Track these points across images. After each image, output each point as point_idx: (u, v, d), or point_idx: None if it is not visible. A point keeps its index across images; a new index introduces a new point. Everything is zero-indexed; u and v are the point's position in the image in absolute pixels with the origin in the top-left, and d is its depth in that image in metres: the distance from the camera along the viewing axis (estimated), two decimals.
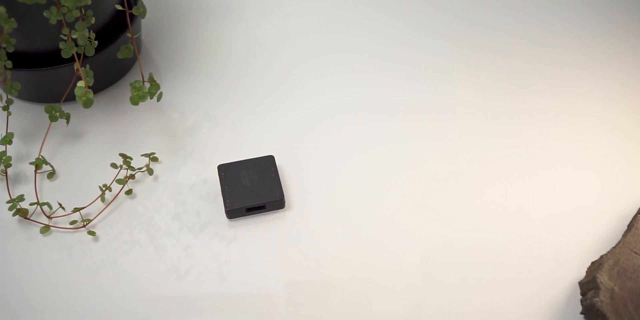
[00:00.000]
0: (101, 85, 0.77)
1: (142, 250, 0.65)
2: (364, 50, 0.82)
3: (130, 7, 0.72)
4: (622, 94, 0.77)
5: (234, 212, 0.66)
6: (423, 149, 0.72)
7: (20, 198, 0.66)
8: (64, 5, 0.62)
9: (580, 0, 0.87)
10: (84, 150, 0.73)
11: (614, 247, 0.61)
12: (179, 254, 0.65)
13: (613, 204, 0.67)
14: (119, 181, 0.68)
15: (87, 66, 0.67)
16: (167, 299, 0.62)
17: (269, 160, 0.69)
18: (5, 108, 0.70)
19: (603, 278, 0.58)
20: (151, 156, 0.71)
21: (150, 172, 0.70)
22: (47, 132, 0.72)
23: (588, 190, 0.69)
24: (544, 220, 0.67)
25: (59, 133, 0.74)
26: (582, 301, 0.60)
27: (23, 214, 0.66)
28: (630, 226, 0.63)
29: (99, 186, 0.68)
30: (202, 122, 0.75)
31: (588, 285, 0.60)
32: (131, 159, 0.69)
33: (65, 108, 0.74)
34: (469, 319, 0.60)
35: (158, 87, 0.69)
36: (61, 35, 0.65)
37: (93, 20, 0.66)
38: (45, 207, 0.67)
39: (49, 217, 0.67)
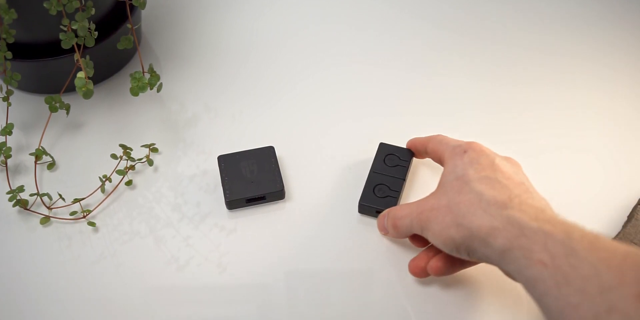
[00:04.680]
0: (101, 76, 0.77)
1: (142, 241, 0.65)
2: (364, 42, 0.82)
3: None
4: (623, 83, 0.77)
5: (234, 202, 0.66)
6: None
7: (20, 189, 0.66)
8: None
9: None
10: (84, 141, 0.73)
11: (614, 238, 0.61)
12: (179, 244, 0.65)
13: (613, 195, 0.67)
14: (119, 172, 0.68)
15: (87, 57, 0.66)
16: (167, 290, 0.62)
17: (269, 151, 0.68)
18: (5, 99, 0.70)
19: None
20: (151, 147, 0.71)
21: (150, 163, 0.70)
22: (47, 123, 0.72)
23: (588, 181, 0.69)
24: None
25: (59, 124, 0.74)
26: None
27: (23, 204, 0.66)
28: (630, 217, 0.63)
29: (99, 177, 0.68)
30: (202, 113, 0.75)
31: None
32: (131, 149, 0.69)
33: (65, 99, 0.74)
34: (468, 308, 0.60)
35: (158, 78, 0.69)
36: (61, 26, 0.65)
37: (93, 11, 0.66)
38: (45, 198, 0.68)
39: (49, 208, 0.67)
